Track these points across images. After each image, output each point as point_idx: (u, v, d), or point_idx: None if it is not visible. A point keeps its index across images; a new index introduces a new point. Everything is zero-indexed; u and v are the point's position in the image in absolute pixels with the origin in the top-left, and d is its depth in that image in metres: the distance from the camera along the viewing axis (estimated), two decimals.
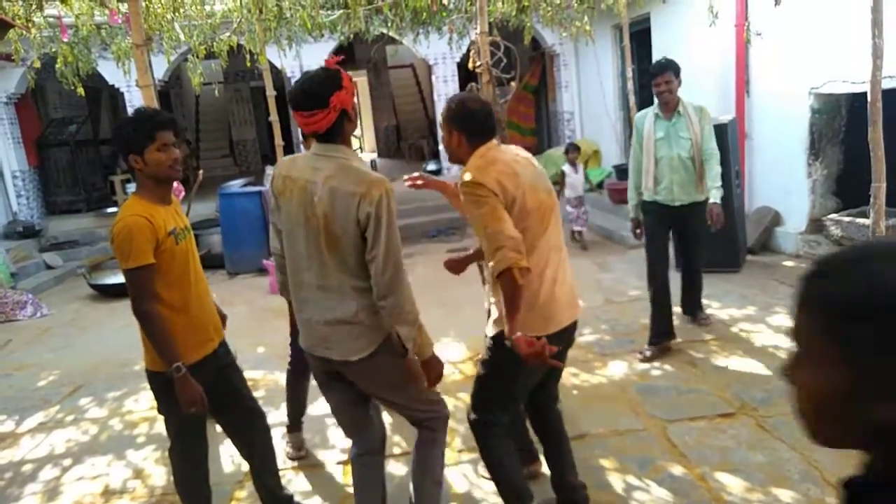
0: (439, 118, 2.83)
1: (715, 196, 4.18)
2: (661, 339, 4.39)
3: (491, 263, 2.24)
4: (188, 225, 2.61)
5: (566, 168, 7.99)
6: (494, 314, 2.48)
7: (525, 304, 2.25)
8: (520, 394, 2.61)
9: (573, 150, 8.09)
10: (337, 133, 2.24)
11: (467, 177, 2.33)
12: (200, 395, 2.39)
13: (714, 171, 4.19)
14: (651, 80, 4.34)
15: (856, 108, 6.04)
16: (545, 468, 2.93)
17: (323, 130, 2.20)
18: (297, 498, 3.05)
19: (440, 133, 2.84)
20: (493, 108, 2.55)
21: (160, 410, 2.65)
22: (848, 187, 6.10)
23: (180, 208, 2.65)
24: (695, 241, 4.53)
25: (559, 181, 7.88)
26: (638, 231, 4.58)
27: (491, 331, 2.49)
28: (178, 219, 2.53)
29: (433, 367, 2.41)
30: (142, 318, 2.37)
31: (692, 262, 4.68)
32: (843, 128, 6.22)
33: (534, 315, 2.34)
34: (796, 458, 3.05)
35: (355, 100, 2.31)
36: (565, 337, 2.49)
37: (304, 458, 3.53)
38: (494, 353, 2.48)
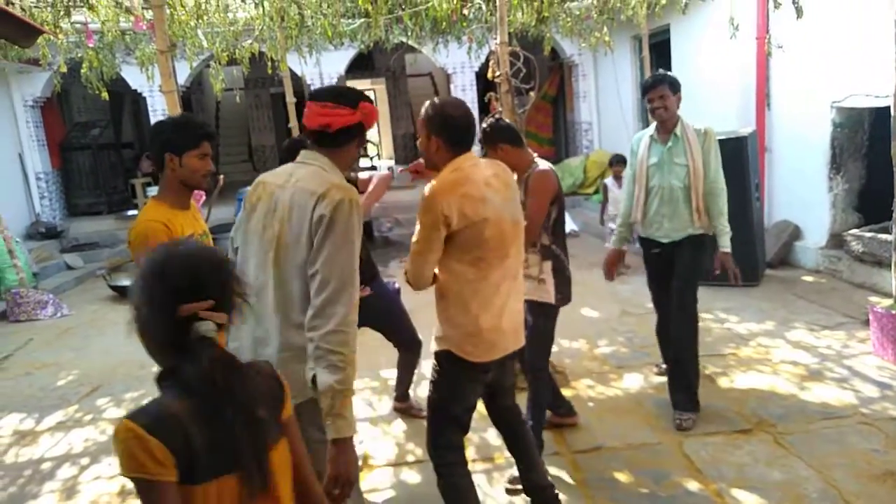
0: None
1: (725, 243, 3.58)
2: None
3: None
4: (206, 230, 2.64)
5: (609, 182, 7.12)
6: (437, 332, 2.44)
7: (470, 331, 2.34)
8: (462, 413, 2.50)
9: (618, 162, 7.03)
10: (339, 141, 2.02)
11: (431, 189, 2.27)
12: None
13: (721, 210, 3.59)
14: (644, 96, 3.77)
15: (879, 122, 5.98)
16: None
17: (333, 130, 1.99)
18: None
19: None
20: (473, 117, 2.45)
21: None
22: (870, 202, 6.03)
23: (199, 213, 2.69)
24: (680, 287, 3.64)
25: (602, 196, 7.23)
26: (612, 268, 3.95)
27: (434, 347, 2.46)
28: (197, 224, 2.56)
29: (343, 458, 1.74)
30: None
31: (677, 326, 3.67)
32: (865, 142, 6.16)
33: (478, 341, 2.35)
34: (814, 477, 3.01)
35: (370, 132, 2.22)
36: (506, 363, 2.54)
37: None
38: (437, 372, 2.46)
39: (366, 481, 3.26)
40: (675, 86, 3.64)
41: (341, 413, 1.73)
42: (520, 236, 2.47)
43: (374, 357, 4.57)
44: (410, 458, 3.49)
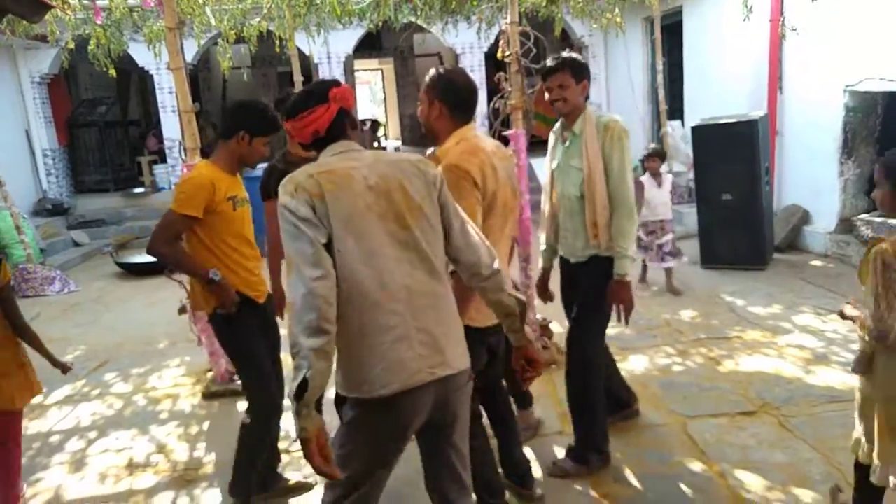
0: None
1: (620, 269, 2.81)
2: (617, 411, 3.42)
3: None
4: (247, 197, 2.94)
5: (645, 180, 5.66)
6: None
7: (474, 300, 2.25)
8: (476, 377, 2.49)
9: (654, 156, 5.74)
10: (341, 134, 1.93)
11: (454, 160, 2.25)
12: (234, 297, 2.74)
13: (621, 228, 2.82)
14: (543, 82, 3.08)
15: (892, 106, 5.92)
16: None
17: (324, 131, 1.90)
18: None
19: None
20: (476, 86, 2.44)
21: (228, 354, 3.00)
22: None
23: (242, 182, 2.97)
24: (576, 320, 3.07)
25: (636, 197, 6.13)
26: (542, 290, 3.35)
27: None
28: (240, 189, 2.90)
29: (534, 349, 2.14)
30: (157, 255, 2.76)
31: (567, 370, 3.08)
32: (878, 126, 6.09)
33: (481, 306, 2.26)
34: (818, 459, 3.02)
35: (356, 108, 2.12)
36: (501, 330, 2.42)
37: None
38: None
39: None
40: (578, 72, 2.94)
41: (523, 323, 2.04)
42: (517, 209, 2.54)
43: None
44: None
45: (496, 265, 1.95)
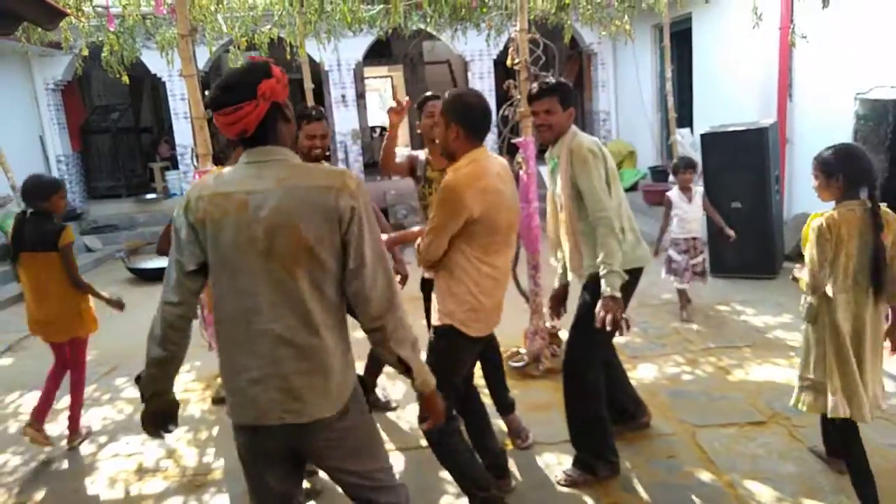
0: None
1: (607, 285, 2.73)
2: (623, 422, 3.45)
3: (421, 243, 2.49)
4: None
5: (674, 195, 5.22)
6: (440, 307, 2.56)
7: (473, 307, 2.48)
8: (458, 380, 2.65)
9: (688, 167, 5.19)
10: (271, 132, 1.76)
11: (453, 181, 2.39)
12: None
13: (603, 244, 2.77)
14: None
15: None
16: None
17: (252, 129, 1.73)
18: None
19: None
20: (490, 107, 2.56)
21: None
22: (892, 196, 5.93)
23: None
24: (569, 338, 3.13)
25: (665, 213, 5.31)
26: (555, 307, 3.43)
27: (435, 321, 2.58)
28: None
29: (437, 402, 1.97)
30: (166, 253, 3.02)
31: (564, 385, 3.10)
32: (889, 135, 6.05)
33: (478, 316, 2.51)
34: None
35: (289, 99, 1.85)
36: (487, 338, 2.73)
37: None
38: (438, 345, 2.58)
39: None
40: (566, 98, 2.94)
41: (423, 373, 1.88)
42: (517, 225, 2.66)
43: None
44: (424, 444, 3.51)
45: (380, 323, 1.75)
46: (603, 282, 2.74)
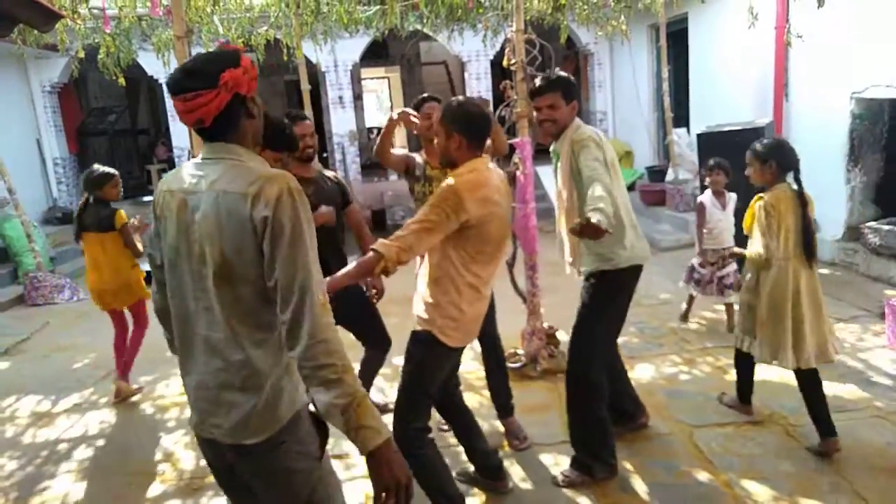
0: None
1: (591, 215, 2.32)
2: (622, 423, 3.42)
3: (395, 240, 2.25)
4: None
5: (706, 200, 4.79)
6: (419, 310, 2.52)
7: (455, 316, 2.44)
8: (434, 389, 2.62)
9: (719, 169, 4.79)
10: (230, 127, 1.62)
11: (455, 183, 2.35)
12: None
13: (595, 192, 2.51)
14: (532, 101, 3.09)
15: None
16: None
17: (210, 121, 1.58)
18: None
19: None
20: (490, 116, 2.55)
21: None
22: (888, 195, 5.96)
23: None
24: (575, 332, 3.05)
25: (697, 220, 4.86)
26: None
27: (414, 326, 2.56)
28: None
29: (386, 469, 1.50)
30: None
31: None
32: (884, 134, 6.08)
33: (459, 326, 2.48)
34: (826, 469, 3.00)
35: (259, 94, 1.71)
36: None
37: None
38: (415, 351, 2.56)
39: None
40: (569, 93, 2.93)
41: (361, 424, 1.47)
42: (506, 246, 2.62)
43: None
44: None
45: (295, 353, 1.51)
46: (591, 215, 2.32)
